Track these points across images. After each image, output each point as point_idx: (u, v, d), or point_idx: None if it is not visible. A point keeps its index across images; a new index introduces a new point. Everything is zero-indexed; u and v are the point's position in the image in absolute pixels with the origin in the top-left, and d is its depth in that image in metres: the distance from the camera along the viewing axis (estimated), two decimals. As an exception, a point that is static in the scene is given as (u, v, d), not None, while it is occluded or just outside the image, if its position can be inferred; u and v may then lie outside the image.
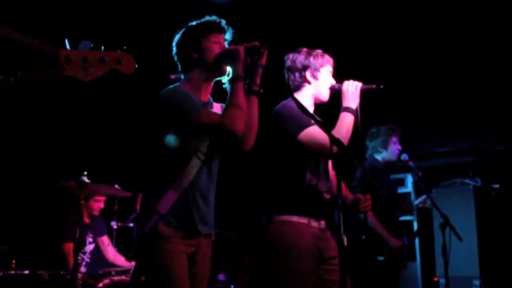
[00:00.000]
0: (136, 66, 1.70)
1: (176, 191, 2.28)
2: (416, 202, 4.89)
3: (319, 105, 2.96)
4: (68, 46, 1.65)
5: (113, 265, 4.57)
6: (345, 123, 2.72)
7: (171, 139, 2.32)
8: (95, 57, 1.65)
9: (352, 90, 2.78)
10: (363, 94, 2.80)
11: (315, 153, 2.74)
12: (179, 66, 2.50)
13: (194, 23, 2.48)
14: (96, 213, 4.66)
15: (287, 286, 2.66)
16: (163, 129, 2.33)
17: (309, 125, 2.69)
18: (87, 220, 4.60)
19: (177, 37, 2.49)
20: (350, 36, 5.25)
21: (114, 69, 1.68)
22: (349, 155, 2.33)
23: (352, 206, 2.86)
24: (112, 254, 4.68)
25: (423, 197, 4.79)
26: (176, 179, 2.30)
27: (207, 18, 2.48)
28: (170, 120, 2.30)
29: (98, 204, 4.64)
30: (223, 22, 2.48)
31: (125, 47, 1.70)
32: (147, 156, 2.48)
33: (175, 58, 2.50)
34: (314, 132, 2.66)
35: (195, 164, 2.33)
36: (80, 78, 1.64)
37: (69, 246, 4.35)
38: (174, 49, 2.49)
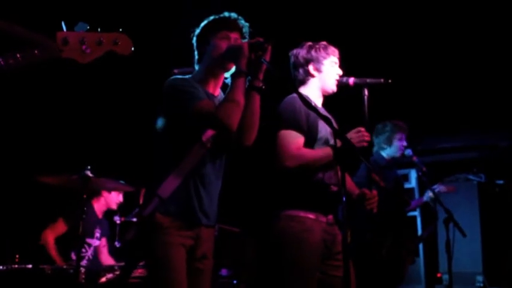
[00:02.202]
0: (133, 48, 1.70)
1: (178, 176, 2.29)
2: (424, 199, 4.83)
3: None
4: (64, 28, 1.64)
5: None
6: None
7: (160, 123, 2.36)
8: (92, 39, 1.65)
9: None
10: (371, 88, 2.79)
11: None
12: (195, 57, 2.53)
13: (212, 17, 2.51)
14: (115, 207, 4.62)
15: (293, 280, 2.65)
16: (165, 114, 2.35)
17: (295, 127, 2.72)
18: (99, 215, 4.60)
19: (197, 30, 2.53)
20: (357, 31, 5.23)
21: (111, 50, 1.67)
22: (354, 150, 2.31)
23: (358, 201, 2.84)
24: (105, 255, 4.67)
25: (428, 192, 4.76)
26: (178, 164, 2.30)
27: (224, 14, 2.50)
28: (171, 105, 2.32)
29: (118, 197, 4.62)
30: (238, 19, 2.49)
31: (120, 29, 1.69)
32: (150, 150, 2.47)
33: (194, 49, 2.54)
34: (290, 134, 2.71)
35: (199, 151, 2.33)
36: (78, 60, 1.64)
37: (61, 225, 4.34)
38: (194, 41, 2.53)
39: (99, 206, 4.63)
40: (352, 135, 2.69)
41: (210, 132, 2.37)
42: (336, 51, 2.93)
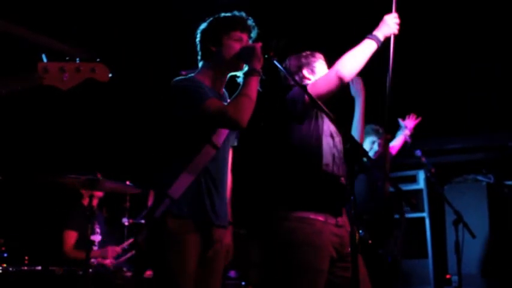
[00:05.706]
0: (110, 75, 1.89)
1: (189, 176, 2.30)
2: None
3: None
4: (45, 59, 1.84)
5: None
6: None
7: (168, 124, 2.36)
8: (71, 68, 1.85)
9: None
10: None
11: None
12: (199, 53, 2.53)
13: (222, 15, 2.51)
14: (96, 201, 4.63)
15: (300, 283, 2.63)
16: (174, 115, 2.35)
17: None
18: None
19: (202, 26, 2.53)
20: (362, 31, 5.22)
21: (90, 77, 1.87)
22: (360, 148, 2.29)
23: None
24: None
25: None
26: (189, 165, 2.31)
27: (235, 13, 2.51)
28: (180, 106, 2.32)
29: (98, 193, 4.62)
30: (250, 20, 2.51)
31: (98, 59, 1.89)
32: (157, 152, 2.48)
33: (197, 44, 2.53)
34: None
35: (209, 152, 2.35)
36: (59, 87, 1.84)
37: (70, 234, 4.36)
38: (198, 36, 2.53)
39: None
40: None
41: (223, 135, 2.40)
42: (322, 56, 3.02)
